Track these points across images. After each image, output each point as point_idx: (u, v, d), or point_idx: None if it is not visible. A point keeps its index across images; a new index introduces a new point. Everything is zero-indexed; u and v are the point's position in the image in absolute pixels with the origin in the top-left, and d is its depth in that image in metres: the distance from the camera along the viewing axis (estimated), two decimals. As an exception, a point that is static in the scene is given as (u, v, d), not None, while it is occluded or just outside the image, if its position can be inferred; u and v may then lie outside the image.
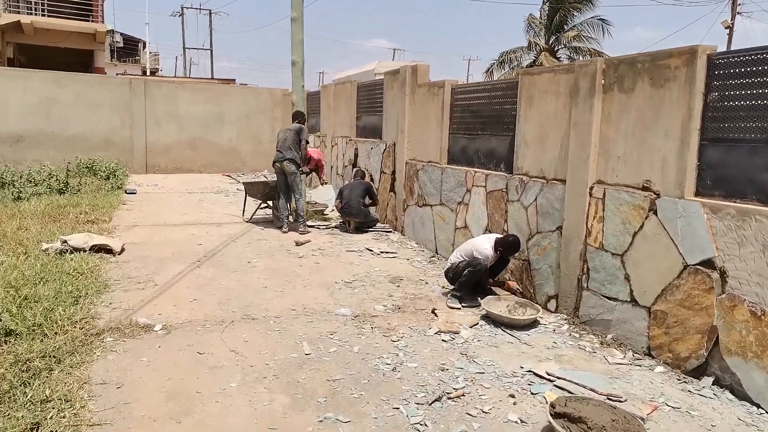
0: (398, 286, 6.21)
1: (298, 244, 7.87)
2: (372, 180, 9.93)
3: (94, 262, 6.24)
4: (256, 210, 9.39)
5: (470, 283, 5.68)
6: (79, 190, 11.16)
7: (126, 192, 11.85)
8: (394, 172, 9.24)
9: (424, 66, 8.48)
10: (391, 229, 9.12)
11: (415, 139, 8.51)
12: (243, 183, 9.41)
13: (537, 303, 5.65)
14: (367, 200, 9.04)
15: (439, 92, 7.76)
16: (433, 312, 5.39)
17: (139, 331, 4.53)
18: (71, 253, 6.43)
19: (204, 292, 5.64)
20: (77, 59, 21.87)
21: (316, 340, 4.58)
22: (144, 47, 40.11)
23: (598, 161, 5.08)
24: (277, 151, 8.72)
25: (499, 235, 5.91)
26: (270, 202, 9.37)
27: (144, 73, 30.70)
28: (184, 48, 43.86)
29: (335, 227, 9.19)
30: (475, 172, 6.90)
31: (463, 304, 5.64)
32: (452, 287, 5.85)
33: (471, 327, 5.05)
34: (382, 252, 7.64)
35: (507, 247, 5.71)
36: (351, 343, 4.55)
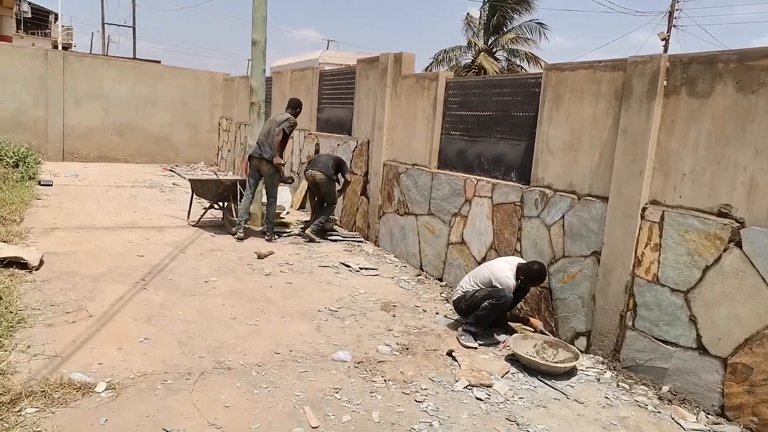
0: (394, 316, 5.18)
1: (260, 256, 6.65)
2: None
3: (2, 282, 4.79)
4: (204, 212, 8.03)
5: (490, 318, 4.74)
6: (-21, 180, 9.30)
7: (40, 183, 10.06)
8: (366, 174, 8.17)
9: (409, 55, 7.46)
10: (361, 239, 8.05)
11: (397, 138, 7.48)
12: (190, 180, 8.02)
13: (561, 339, 4.80)
14: (339, 178, 7.96)
15: (431, 86, 6.77)
16: (449, 355, 4.40)
17: (74, 395, 3.24)
18: (-29, 268, 4.94)
19: (157, 327, 4.37)
20: (-21, 26, 19.17)
21: (320, 403, 3.48)
22: (56, 20, 36.57)
23: (654, 177, 4.26)
24: (257, 145, 7.48)
25: (521, 260, 5.00)
26: (221, 204, 8.04)
27: (55, 48, 27.71)
28: (103, 23, 40.06)
29: (297, 235, 8.01)
30: (477, 180, 5.97)
31: (480, 342, 4.70)
32: (465, 320, 4.90)
33: (503, 376, 4.12)
34: (361, 268, 6.57)
35: (531, 276, 4.81)
36: (366, 407, 3.48)
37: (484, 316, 4.72)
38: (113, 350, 3.90)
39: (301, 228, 8.23)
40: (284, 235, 7.90)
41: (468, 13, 29.64)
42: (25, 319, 4.18)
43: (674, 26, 26.38)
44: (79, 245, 6.40)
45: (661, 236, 4.16)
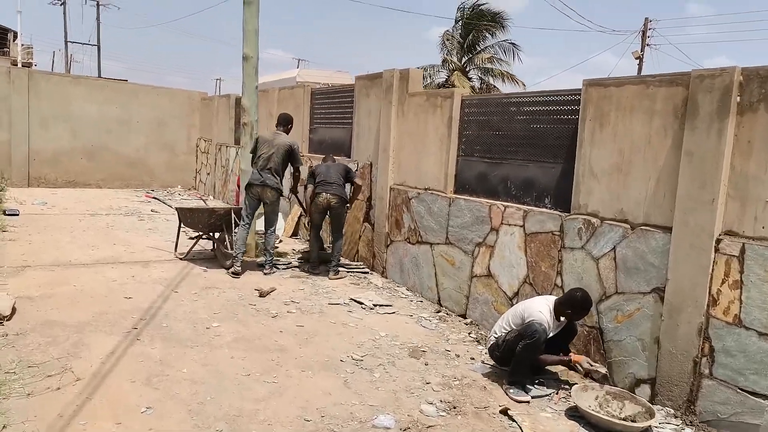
0: (426, 364, 4.57)
1: (262, 294, 5.97)
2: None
3: (-31, 340, 4.03)
4: (194, 244, 7.30)
5: (527, 361, 4.18)
6: (-63, 210, 8.38)
7: (5, 213, 9.16)
8: (370, 199, 7.58)
9: (416, 72, 6.95)
10: (366, 269, 7.43)
11: (405, 160, 6.93)
12: (177, 209, 7.29)
13: (616, 385, 4.27)
14: (347, 188, 7.12)
15: (444, 104, 6.26)
16: (505, 414, 3.81)
17: (68, 499, 2.54)
18: (-71, 322, 4.16)
19: (160, 391, 3.67)
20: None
21: (375, 490, 2.84)
22: (14, 38, 35.17)
23: (729, 205, 3.79)
24: (257, 171, 6.76)
25: (553, 297, 4.48)
26: (212, 235, 7.33)
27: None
28: (66, 42, 38.90)
29: (295, 266, 7.34)
30: (505, 206, 5.44)
31: (532, 395, 4.13)
32: (505, 370, 4.33)
33: (573, 440, 3.55)
34: (375, 305, 5.95)
35: (575, 305, 4.23)
36: (431, 493, 2.86)
37: (521, 362, 4.16)
38: (110, 426, 3.20)
39: (299, 259, 7.57)
40: (282, 266, 7.22)
41: (446, 31, 29.52)
42: (-1, 388, 3.44)
43: (648, 45, 26.74)
44: (56, 287, 5.63)
45: (741, 272, 3.67)
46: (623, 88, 4.45)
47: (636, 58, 26.81)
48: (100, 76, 31.76)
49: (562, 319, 4.35)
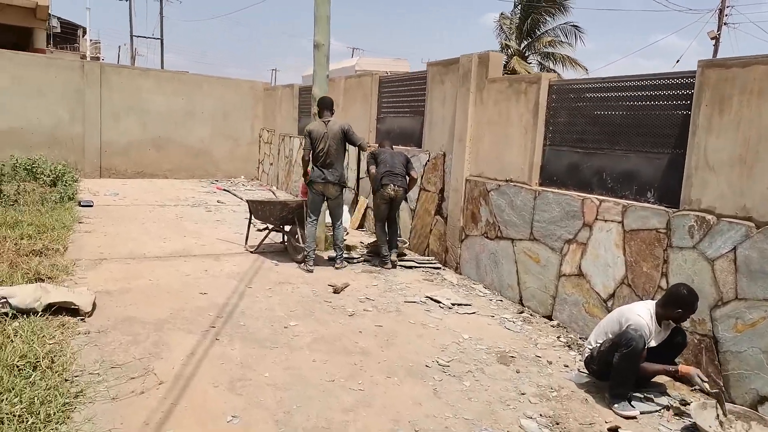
0: (518, 372, 4.23)
1: (336, 290, 5.76)
2: (406, 199, 7.90)
3: (53, 337, 3.97)
4: (264, 237, 7.18)
5: (630, 372, 3.77)
6: (16, 201, 8.58)
7: (80, 204, 9.35)
8: (442, 191, 7.25)
9: (497, 55, 6.54)
10: (438, 264, 7.12)
11: (483, 151, 6.55)
12: (248, 202, 7.19)
13: (733, 402, 3.82)
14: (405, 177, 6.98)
15: (530, 90, 5.84)
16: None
17: None
18: (14, 317, 4.13)
19: (244, 397, 3.49)
20: (11, 39, 18.72)
21: None
22: (84, 34, 36.54)
23: None
24: (318, 168, 6.48)
25: (651, 301, 4.04)
26: (284, 228, 7.19)
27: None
28: (132, 36, 40.02)
29: (365, 260, 7.11)
30: (600, 200, 5.00)
31: (640, 411, 3.73)
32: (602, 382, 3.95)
33: (700, 467, 3.14)
34: (453, 304, 5.64)
35: (683, 300, 3.76)
36: None
37: (622, 373, 3.75)
38: (197, 436, 3.03)
39: (368, 252, 7.33)
40: (354, 261, 7.00)
41: (501, 14, 28.61)
42: (84, 391, 3.34)
43: (725, 24, 25.05)
44: (132, 280, 5.59)
45: None
46: (750, 69, 3.93)
47: (712, 38, 25.17)
48: (163, 69, 32.61)
49: (666, 323, 3.93)
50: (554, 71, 28.25)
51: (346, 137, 6.54)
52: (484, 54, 6.56)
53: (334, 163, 6.47)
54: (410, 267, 6.95)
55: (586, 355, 4.05)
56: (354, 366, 4.08)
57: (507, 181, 6.15)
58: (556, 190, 5.52)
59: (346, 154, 6.76)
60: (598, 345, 3.93)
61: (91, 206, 9.41)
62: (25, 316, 4.20)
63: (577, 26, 28.48)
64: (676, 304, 3.75)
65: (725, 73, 4.08)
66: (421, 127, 7.84)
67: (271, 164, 14.04)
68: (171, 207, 10.01)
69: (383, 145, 7.42)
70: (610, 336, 3.91)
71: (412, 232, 7.89)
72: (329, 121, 6.55)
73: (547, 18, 28.77)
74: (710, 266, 4.13)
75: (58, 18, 32.47)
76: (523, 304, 5.86)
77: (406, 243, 7.59)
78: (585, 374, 4.23)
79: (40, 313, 4.28)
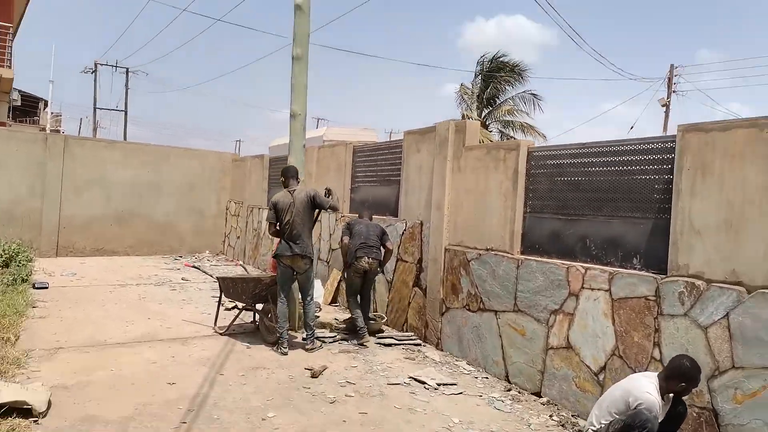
0: (516, 457, 3.95)
1: (314, 375, 5.41)
2: (382, 270, 7.69)
3: (0, 446, 3.52)
4: (235, 318, 6.81)
5: None
6: (-35, 285, 8.03)
7: (34, 286, 8.79)
8: (420, 261, 7.08)
9: (473, 124, 6.60)
10: (418, 340, 6.84)
11: (462, 219, 6.46)
12: (219, 279, 6.85)
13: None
14: (381, 250, 6.93)
15: (508, 157, 5.84)
16: None
17: None
18: (-44, 424, 3.67)
19: None
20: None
21: None
22: (45, 107, 36.22)
23: None
24: (285, 240, 6.21)
25: (653, 373, 3.87)
26: (254, 306, 6.84)
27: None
28: (95, 108, 39.68)
29: (341, 339, 6.78)
30: (586, 268, 4.90)
31: (652, 496, 3.47)
32: None
33: None
34: (439, 385, 5.35)
35: (686, 374, 3.59)
36: None
37: None
38: None
39: (343, 331, 7.01)
40: (329, 340, 6.66)
41: (462, 84, 29.58)
42: None
43: (674, 92, 26.46)
44: (93, 372, 5.13)
45: None
46: (730, 133, 3.99)
47: (663, 105, 26.48)
48: (129, 141, 32.30)
49: (668, 396, 3.75)
50: (513, 138, 29.11)
51: (315, 204, 6.29)
52: (461, 122, 6.61)
53: (301, 235, 6.19)
54: (389, 345, 6.65)
55: None
56: (341, 462, 3.73)
57: (488, 249, 6.03)
58: (540, 259, 5.41)
59: (318, 224, 6.56)
60: (603, 426, 3.70)
61: (47, 288, 8.86)
62: (-32, 421, 3.74)
63: (535, 94, 29.55)
64: (680, 378, 3.58)
65: (705, 137, 4.12)
66: (397, 196, 7.76)
67: (238, 237, 13.71)
68: (133, 286, 9.52)
69: (362, 215, 7.34)
70: (616, 416, 3.69)
71: (389, 305, 7.63)
72: (295, 190, 6.34)
73: (507, 87, 29.88)
74: (704, 334, 4.01)
75: (19, 91, 32.14)
76: (509, 381, 5.61)
77: (384, 318, 7.32)
78: (586, 456, 3.98)
79: (-14, 417, 3.83)
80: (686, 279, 4.15)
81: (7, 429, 3.76)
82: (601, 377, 4.70)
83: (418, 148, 7.29)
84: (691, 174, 4.18)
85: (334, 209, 6.61)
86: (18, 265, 9.54)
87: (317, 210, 6.36)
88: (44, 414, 4.09)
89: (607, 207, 4.89)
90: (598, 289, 4.78)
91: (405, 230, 7.40)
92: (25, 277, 8.96)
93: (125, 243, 13.29)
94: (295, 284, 6.52)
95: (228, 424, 4.18)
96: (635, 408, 3.56)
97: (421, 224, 7.10)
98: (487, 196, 6.11)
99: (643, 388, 3.64)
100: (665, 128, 26.85)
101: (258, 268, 11.63)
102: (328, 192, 6.46)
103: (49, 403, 4.24)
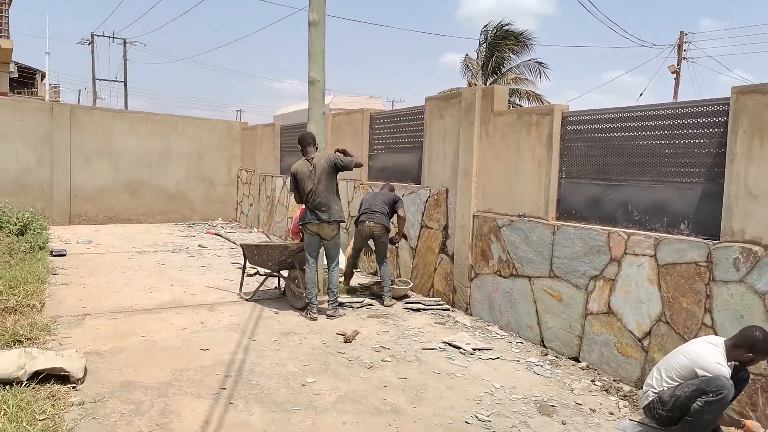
0: (564, 424, 3.88)
1: (347, 340, 5.33)
2: (406, 236, 7.58)
3: (43, 412, 3.43)
4: (261, 284, 6.71)
5: (710, 423, 3.47)
6: (-19, 253, 7.93)
7: (52, 254, 8.71)
8: (446, 228, 6.96)
9: (502, 88, 6.37)
10: (446, 306, 6.76)
11: (491, 185, 6.31)
12: (243, 246, 6.74)
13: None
14: (388, 221, 6.93)
15: (542, 122, 5.65)
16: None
17: None
18: (-4, 389, 3.60)
19: (276, 475, 3.03)
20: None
21: None
22: (42, 78, 35.68)
23: None
24: (312, 210, 6.07)
25: (722, 339, 3.75)
26: (281, 273, 6.74)
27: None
28: (94, 79, 39.29)
29: (369, 303, 6.71)
30: (629, 234, 4.77)
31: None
32: (662, 428, 3.62)
33: None
34: (475, 350, 5.28)
35: (756, 346, 3.47)
36: None
37: (702, 422, 3.43)
38: None
39: (370, 295, 6.94)
40: (356, 305, 6.59)
41: (467, 55, 29.10)
42: (88, 479, 2.83)
43: (684, 59, 26.00)
44: (124, 338, 5.06)
45: None
46: (790, 94, 3.79)
47: (673, 72, 26.06)
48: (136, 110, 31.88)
49: (733, 364, 3.65)
50: (520, 106, 28.75)
51: (338, 169, 6.15)
52: (489, 87, 6.40)
53: (326, 202, 6.06)
54: (417, 309, 6.58)
55: (650, 399, 3.71)
56: (389, 428, 3.66)
57: (520, 216, 5.89)
58: (577, 225, 5.28)
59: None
60: (667, 389, 3.60)
61: (64, 255, 8.78)
62: (8, 387, 3.66)
63: (540, 62, 29.05)
64: (749, 348, 3.47)
65: (764, 99, 3.93)
66: (419, 163, 7.59)
67: (251, 205, 13.57)
68: (150, 253, 9.43)
69: (384, 187, 7.41)
70: (679, 380, 3.59)
71: (413, 271, 7.54)
72: (313, 157, 6.17)
73: (512, 56, 29.41)
74: (761, 300, 3.89)
75: (16, 63, 31.69)
76: (545, 346, 5.53)
77: (410, 284, 7.23)
78: (635, 422, 3.91)
79: (25, 383, 3.75)
80: (742, 245, 4.01)
81: (47, 395, 3.69)
82: (645, 343, 4.61)
83: (441, 114, 7.08)
84: (748, 137, 4.01)
85: (359, 166, 6.51)
86: (33, 233, 9.45)
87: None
88: (82, 380, 4.02)
89: (651, 172, 4.73)
90: (643, 255, 4.65)
91: (429, 197, 7.26)
92: (42, 245, 8.87)
93: (137, 211, 13.18)
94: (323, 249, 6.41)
95: (268, 390, 4.10)
96: (713, 377, 3.43)
97: (447, 191, 6.95)
98: (518, 162, 5.94)
99: (713, 358, 3.51)
100: (675, 95, 26.53)
101: (274, 234, 11.51)
102: (344, 153, 6.32)
103: (86, 370, 4.17)
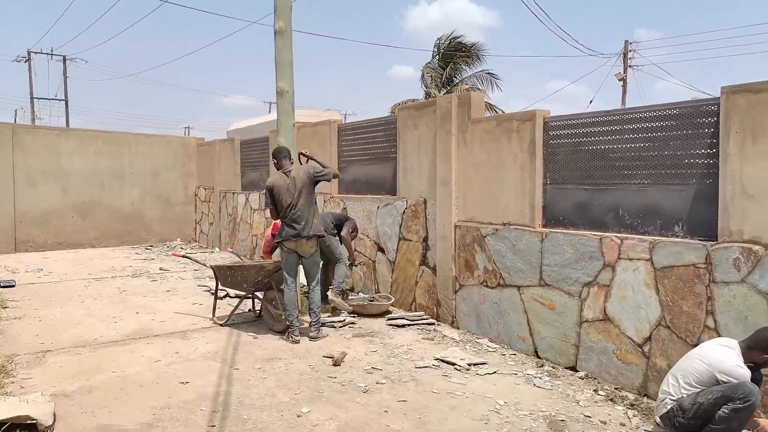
0: (578, 439, 3.72)
1: (336, 363, 5.04)
2: (383, 250, 7.36)
3: (11, 469, 3.02)
4: (236, 307, 6.33)
5: (737, 430, 3.37)
6: None
7: (0, 286, 8.05)
8: (426, 239, 6.77)
9: (477, 95, 6.27)
10: (431, 319, 6.55)
11: (472, 194, 6.16)
12: (214, 268, 6.35)
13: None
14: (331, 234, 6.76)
15: (522, 128, 5.55)
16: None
17: None
18: (-48, 446, 3.15)
19: None
20: None
21: None
22: (-27, 98, 33.86)
23: None
24: (288, 225, 5.76)
25: (734, 340, 3.68)
26: (256, 295, 6.39)
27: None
28: (32, 98, 37.55)
29: (350, 322, 6.43)
30: (622, 238, 4.69)
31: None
32: None
33: None
34: (469, 365, 5.08)
35: None
36: None
37: (727, 429, 3.33)
38: None
39: (350, 312, 6.66)
40: (338, 325, 6.30)
41: (427, 63, 29.29)
42: None
43: (630, 66, 26.90)
44: (92, 375, 4.61)
45: None
46: (784, 91, 3.78)
47: (620, 80, 26.90)
48: (84, 129, 30.47)
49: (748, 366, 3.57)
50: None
51: (317, 180, 5.91)
52: (464, 95, 6.28)
53: (306, 215, 5.78)
54: (402, 325, 6.34)
55: (668, 407, 3.58)
56: (399, 458, 3.40)
57: (505, 224, 5.76)
58: (566, 231, 5.18)
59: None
60: (687, 396, 3.47)
61: (13, 286, 8.14)
62: (-34, 442, 3.22)
63: (492, 74, 29.46)
64: (764, 349, 3.39)
65: (755, 98, 3.92)
66: (393, 174, 7.39)
67: (211, 224, 13.06)
68: (109, 279, 8.87)
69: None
70: (698, 386, 3.47)
71: (393, 285, 7.30)
72: (290, 170, 5.89)
73: (464, 67, 29.79)
74: (766, 300, 3.85)
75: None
76: (539, 356, 5.39)
77: (391, 299, 6.99)
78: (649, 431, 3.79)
79: (-15, 437, 3.31)
80: (741, 245, 3.97)
81: (14, 448, 3.26)
82: (646, 348, 4.52)
83: (415, 124, 6.92)
84: (740, 137, 3.98)
85: (336, 176, 6.44)
86: (-25, 263, 8.74)
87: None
88: (51, 428, 3.60)
89: (641, 175, 4.67)
90: (638, 259, 4.57)
91: (407, 208, 7.06)
92: (-13, 276, 8.19)
93: (89, 235, 12.47)
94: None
95: (262, 424, 3.78)
96: (739, 383, 3.33)
97: (425, 201, 6.77)
98: (500, 170, 5.82)
99: (733, 362, 3.42)
100: (623, 101, 27.38)
101: (237, 254, 11.05)
102: (310, 158, 6.16)
103: (54, 415, 3.74)
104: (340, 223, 6.99)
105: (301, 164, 6.12)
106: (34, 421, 3.51)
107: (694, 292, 4.23)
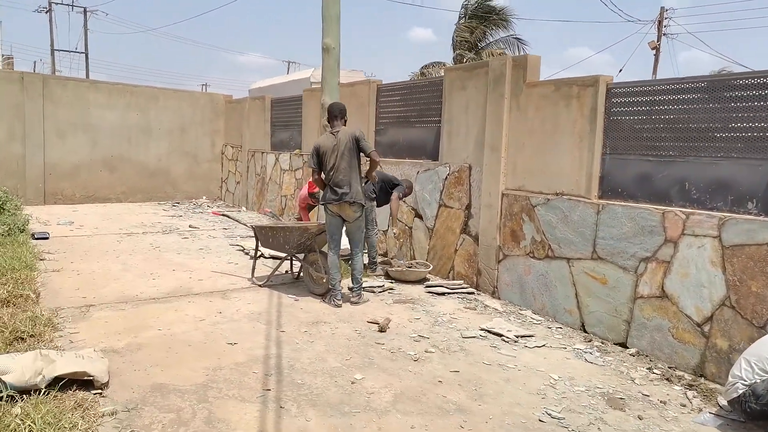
0: (641, 419, 3.61)
1: (381, 329, 4.96)
2: (421, 216, 7.22)
3: (74, 426, 2.96)
4: (275, 269, 6.26)
5: None
6: (-45, 237, 7.23)
7: (34, 237, 8.03)
8: (468, 207, 6.60)
9: (535, 58, 5.97)
10: (470, 288, 6.44)
11: (523, 161, 5.96)
12: (255, 228, 6.24)
13: None
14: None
15: (583, 94, 5.30)
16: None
17: None
18: (11, 399, 3.11)
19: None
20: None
21: None
22: (-8, 48, 33.72)
23: None
24: (330, 187, 5.62)
25: None
26: (298, 257, 6.29)
27: None
28: (53, 50, 37.30)
29: (389, 287, 6.34)
30: (688, 213, 4.49)
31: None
32: (752, 422, 3.39)
33: None
34: (518, 337, 4.97)
35: None
36: None
37: None
38: None
39: (384, 277, 6.57)
40: (378, 290, 6.21)
41: (457, 26, 28.59)
42: None
43: (664, 35, 26.00)
44: (139, 332, 4.57)
45: None
46: None
47: (652, 48, 26.05)
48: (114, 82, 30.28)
49: None
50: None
51: (359, 146, 5.64)
52: (521, 56, 6.00)
53: (348, 180, 5.57)
54: (442, 294, 6.24)
55: (738, 393, 3.45)
56: (462, 429, 3.32)
57: (557, 194, 5.56)
58: (625, 203, 4.98)
59: None
60: (762, 381, 3.33)
61: (47, 238, 8.13)
62: (25, 395, 3.18)
63: (519, 38, 28.75)
64: None
65: None
66: (436, 138, 7.17)
67: (238, 183, 12.96)
68: (140, 235, 8.83)
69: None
70: None
71: (430, 253, 7.18)
72: (339, 131, 5.67)
73: (491, 31, 29.05)
74: None
75: (-38, 32, 29.87)
76: (586, 331, 5.27)
77: (429, 267, 6.88)
78: (718, 416, 3.66)
79: (43, 391, 3.27)
80: (822, 224, 3.77)
81: (73, 405, 3.21)
82: (705, 328, 4.37)
83: (463, 86, 6.66)
84: (836, 106, 3.73)
85: (373, 159, 5.69)
86: (9, 214, 8.73)
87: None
88: (107, 385, 3.55)
89: (712, 148, 4.44)
90: (704, 236, 4.38)
91: (449, 174, 6.87)
92: (22, 227, 8.17)
93: (117, 189, 12.45)
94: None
95: (318, 390, 3.71)
96: None
97: (470, 168, 6.58)
98: (555, 137, 5.59)
99: None
100: (655, 71, 26.61)
101: (274, 215, 10.92)
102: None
103: (108, 373, 3.69)
104: (390, 185, 6.74)
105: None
106: (91, 378, 3.46)
107: (766, 273, 4.05)
